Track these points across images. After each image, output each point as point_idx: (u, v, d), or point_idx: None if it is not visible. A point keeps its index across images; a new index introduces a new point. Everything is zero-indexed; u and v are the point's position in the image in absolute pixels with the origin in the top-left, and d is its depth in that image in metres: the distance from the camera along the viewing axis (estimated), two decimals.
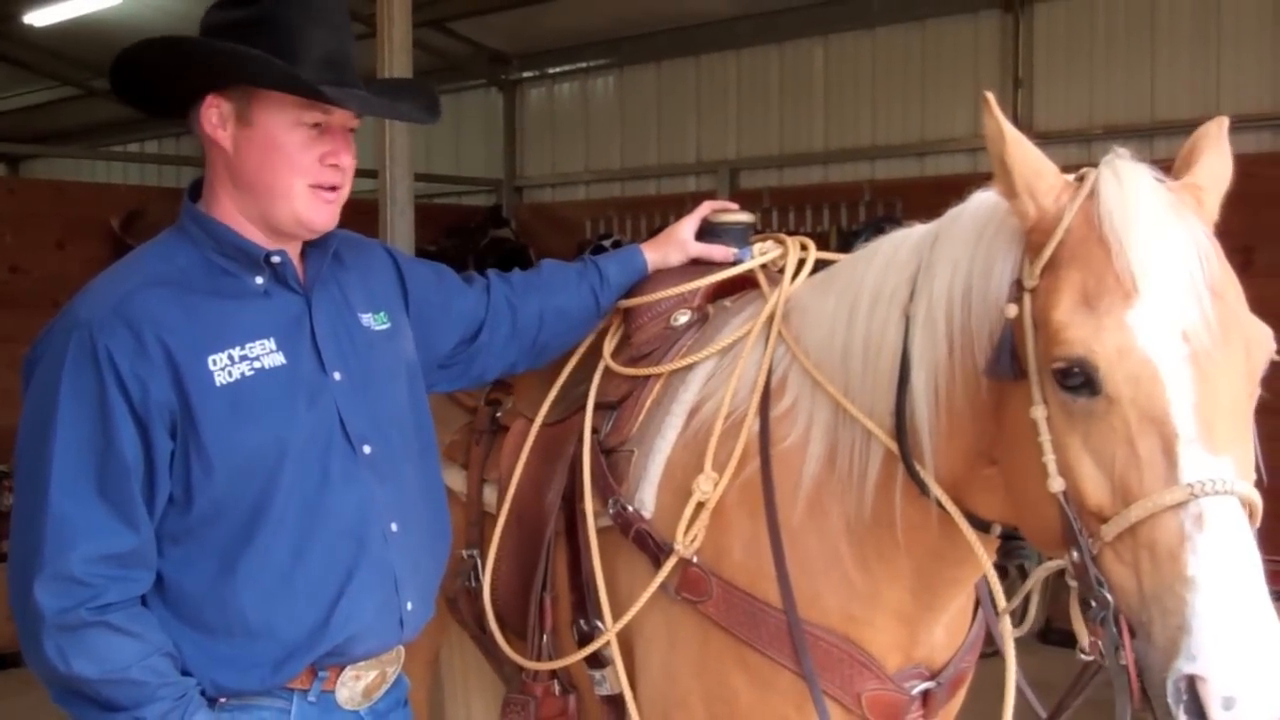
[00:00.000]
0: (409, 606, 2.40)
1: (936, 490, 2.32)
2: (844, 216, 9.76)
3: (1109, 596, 1.96)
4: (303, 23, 2.29)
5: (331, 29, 2.33)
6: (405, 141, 6.84)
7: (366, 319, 2.49)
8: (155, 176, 13.76)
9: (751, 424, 2.57)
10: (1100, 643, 1.99)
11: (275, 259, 2.32)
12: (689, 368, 2.76)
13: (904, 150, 9.68)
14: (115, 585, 2.14)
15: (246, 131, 2.28)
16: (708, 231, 3.00)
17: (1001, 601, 2.46)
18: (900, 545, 2.42)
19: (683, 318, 2.87)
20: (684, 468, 2.62)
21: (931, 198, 2.54)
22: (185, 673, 2.21)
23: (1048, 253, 2.06)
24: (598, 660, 2.73)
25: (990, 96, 2.12)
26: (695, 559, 2.54)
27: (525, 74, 12.15)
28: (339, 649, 2.30)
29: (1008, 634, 2.53)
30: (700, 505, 2.55)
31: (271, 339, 2.28)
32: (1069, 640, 2.11)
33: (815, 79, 10.18)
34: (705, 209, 3.03)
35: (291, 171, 2.29)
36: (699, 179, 10.90)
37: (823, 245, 2.97)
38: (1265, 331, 2.02)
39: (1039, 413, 2.05)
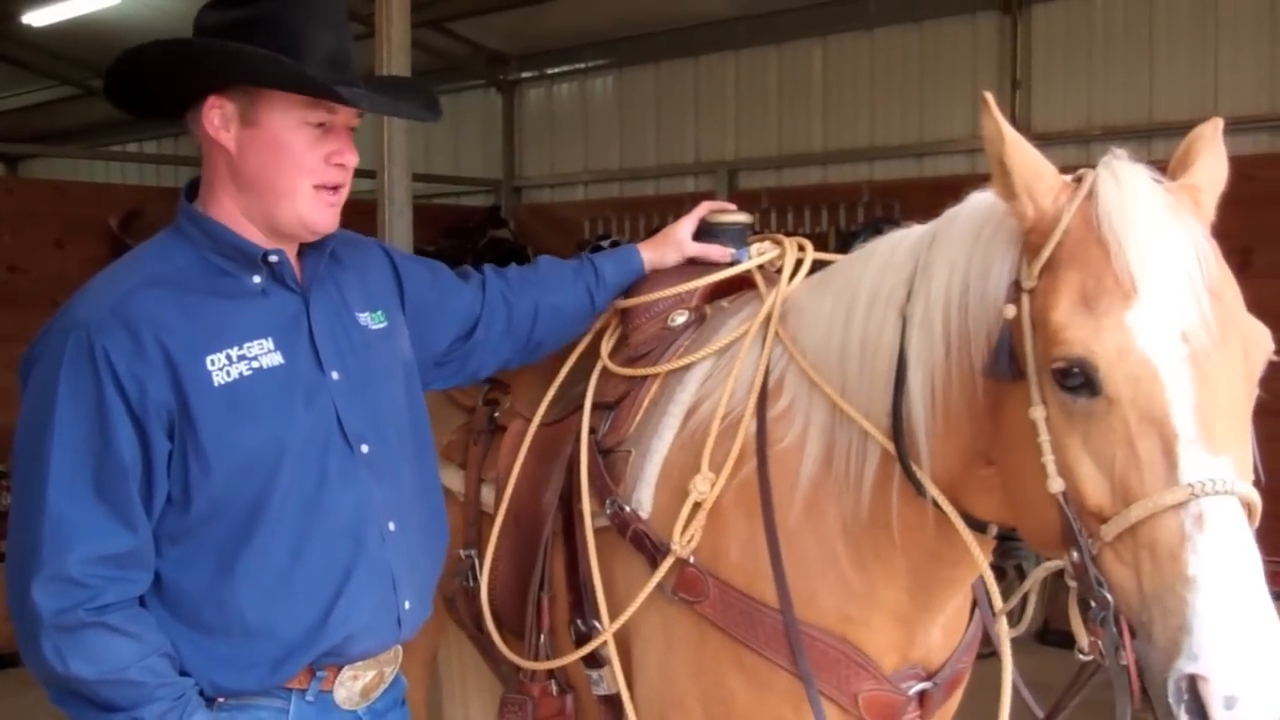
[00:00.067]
0: (406, 605, 2.40)
1: (933, 491, 2.32)
2: (842, 217, 9.75)
3: (1109, 597, 1.96)
4: (305, 22, 2.28)
5: (333, 29, 2.33)
6: (404, 141, 6.84)
7: (364, 318, 2.49)
8: (154, 176, 13.76)
9: (748, 424, 2.57)
10: (1100, 643, 1.99)
11: (273, 258, 2.32)
12: (686, 368, 2.76)
13: (902, 151, 9.68)
14: (113, 586, 2.14)
15: (251, 132, 2.28)
16: (706, 232, 3.00)
17: (998, 602, 2.46)
18: (897, 546, 2.42)
19: (680, 318, 2.87)
20: (681, 468, 2.62)
21: (930, 198, 2.54)
22: (183, 673, 2.21)
23: (1046, 253, 2.06)
24: (595, 660, 2.73)
25: (989, 97, 2.12)
26: (692, 559, 2.54)
27: (524, 74, 12.14)
28: (337, 648, 2.30)
29: (1004, 634, 2.53)
30: (697, 505, 2.55)
31: (269, 338, 2.28)
32: (1067, 641, 2.11)
33: (814, 80, 10.17)
34: (703, 209, 3.03)
35: (297, 171, 2.29)
36: (697, 179, 10.90)
37: (821, 246, 2.97)
38: (1263, 332, 2.03)
39: (1038, 413, 2.05)
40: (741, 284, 2.93)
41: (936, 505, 2.33)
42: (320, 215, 2.34)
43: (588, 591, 2.72)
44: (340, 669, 2.34)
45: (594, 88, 11.75)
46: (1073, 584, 2.05)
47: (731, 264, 2.92)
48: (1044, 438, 2.04)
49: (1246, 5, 8.06)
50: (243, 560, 2.22)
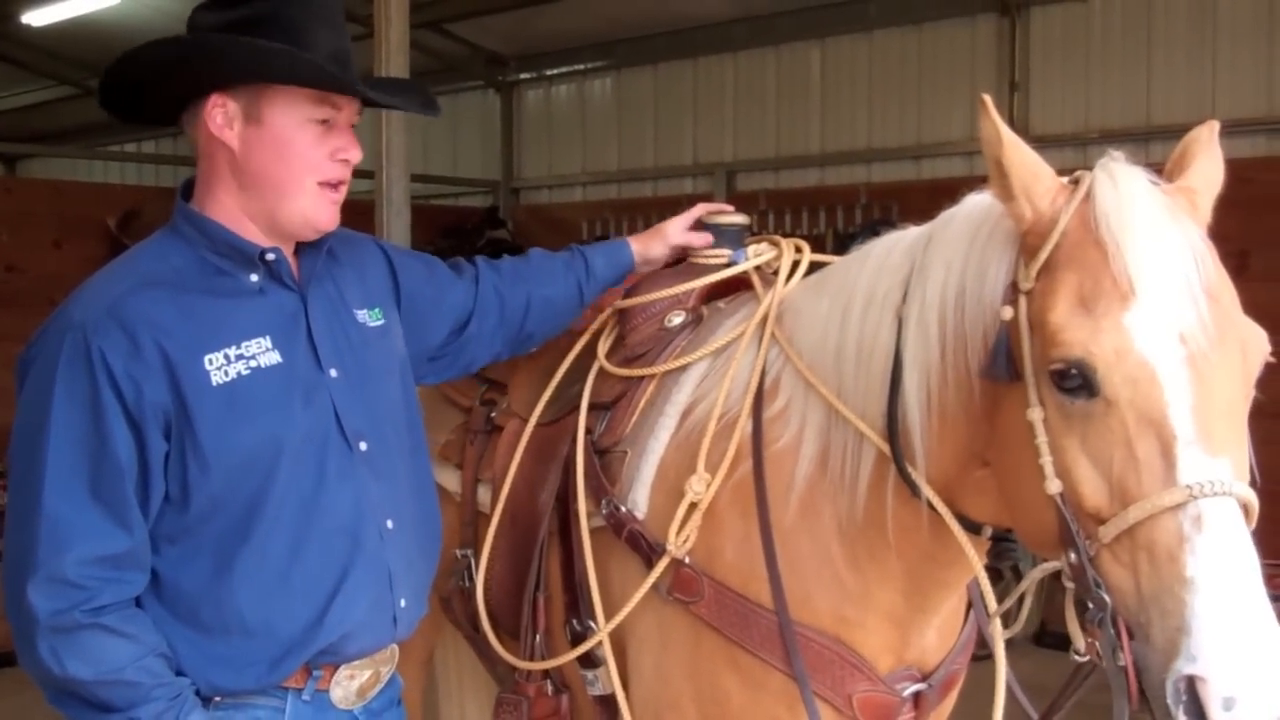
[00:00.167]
0: (402, 603, 2.40)
1: (928, 492, 2.33)
2: (840, 219, 9.76)
3: (1106, 598, 1.95)
4: (306, 19, 2.28)
5: (332, 27, 2.34)
6: (402, 142, 6.83)
7: (362, 315, 2.49)
8: (152, 176, 13.75)
9: (744, 425, 2.57)
10: (1097, 644, 1.98)
11: (270, 256, 2.32)
12: (683, 369, 2.77)
13: (900, 153, 9.69)
14: (109, 587, 2.13)
15: (256, 130, 2.27)
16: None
17: (993, 604, 2.46)
18: (892, 547, 2.42)
19: (677, 319, 2.87)
20: (677, 468, 2.62)
21: (928, 200, 2.54)
22: (180, 673, 2.21)
23: (1044, 255, 2.06)
24: (590, 660, 2.73)
25: (987, 99, 2.12)
26: (687, 560, 2.54)
27: (522, 75, 12.14)
28: (333, 647, 2.30)
29: (998, 635, 2.53)
30: (693, 506, 2.55)
31: (267, 337, 2.28)
32: (1063, 643, 2.10)
33: (812, 82, 10.18)
34: (698, 210, 3.04)
35: (303, 168, 2.29)
36: (696, 181, 10.90)
37: (819, 248, 2.97)
38: (1260, 334, 2.03)
39: (1035, 414, 2.05)
40: (739, 285, 2.93)
41: (931, 506, 2.33)
42: (323, 212, 2.34)
43: (583, 592, 2.72)
44: (337, 668, 2.34)
45: (592, 89, 11.75)
46: (1070, 585, 2.05)
47: (728, 264, 2.92)
48: (1041, 439, 2.04)
49: (1244, 8, 8.07)
50: (241, 559, 2.22)
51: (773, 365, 2.62)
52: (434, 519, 2.60)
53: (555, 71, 11.90)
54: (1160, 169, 2.15)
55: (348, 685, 2.36)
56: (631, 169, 11.40)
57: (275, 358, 2.27)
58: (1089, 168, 2.10)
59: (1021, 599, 2.38)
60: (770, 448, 2.53)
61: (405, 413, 2.53)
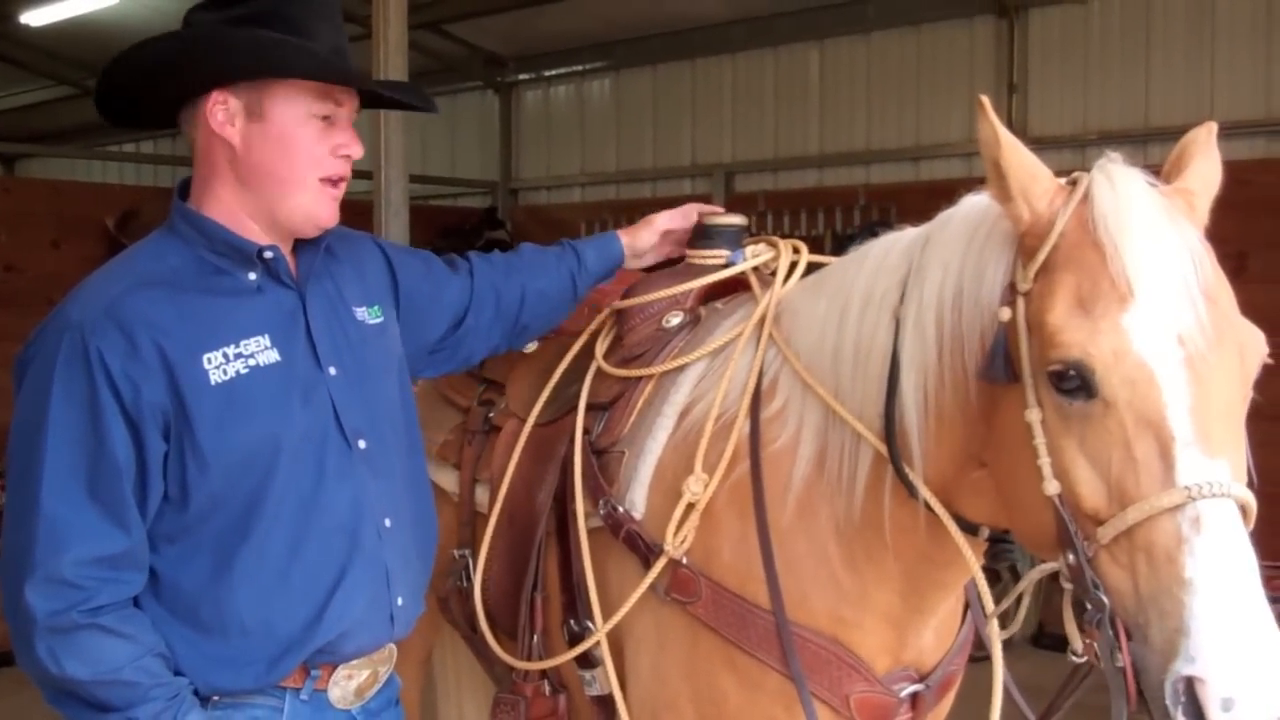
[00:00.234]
0: (399, 602, 2.40)
1: (925, 493, 2.33)
2: (839, 220, 9.76)
3: (1105, 599, 1.95)
4: (307, 15, 2.29)
5: (332, 23, 2.34)
6: (400, 142, 6.84)
7: (361, 312, 2.49)
8: (151, 176, 13.74)
9: (742, 426, 2.57)
10: (1095, 645, 1.99)
11: (268, 254, 2.32)
12: (680, 369, 2.76)
13: (899, 154, 9.69)
14: (107, 587, 2.13)
15: (259, 126, 2.27)
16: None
17: (990, 605, 2.46)
18: (889, 547, 2.42)
19: (675, 319, 2.87)
20: (674, 469, 2.62)
21: (926, 202, 2.54)
22: (178, 673, 2.21)
23: (1042, 256, 2.05)
24: (588, 661, 2.73)
25: (985, 100, 2.12)
26: (685, 560, 2.54)
27: (521, 76, 12.14)
28: (330, 646, 2.30)
29: (995, 636, 2.53)
30: (690, 506, 2.55)
31: (266, 335, 2.28)
32: (1062, 645, 2.11)
33: (810, 83, 10.18)
34: (690, 208, 3.05)
35: (307, 164, 2.30)
36: (694, 182, 10.90)
37: (817, 249, 2.97)
38: (1258, 335, 2.03)
39: (1033, 416, 2.05)
40: (736, 286, 2.93)
41: (928, 507, 2.33)
42: (324, 208, 2.35)
43: (581, 592, 2.72)
44: (335, 668, 2.34)
45: (591, 90, 11.75)
46: (1068, 586, 2.05)
47: (725, 265, 2.92)
48: (1040, 440, 2.04)
49: (1242, 10, 8.08)
50: (241, 557, 2.22)
51: (770, 366, 2.62)
52: (430, 518, 2.60)
53: (554, 72, 11.90)
54: (1158, 171, 2.15)
55: (345, 685, 2.36)
56: (630, 170, 11.40)
57: (274, 356, 2.27)
58: (1087, 169, 2.10)
59: (1019, 600, 2.38)
60: (768, 448, 2.53)
61: (403, 411, 2.53)
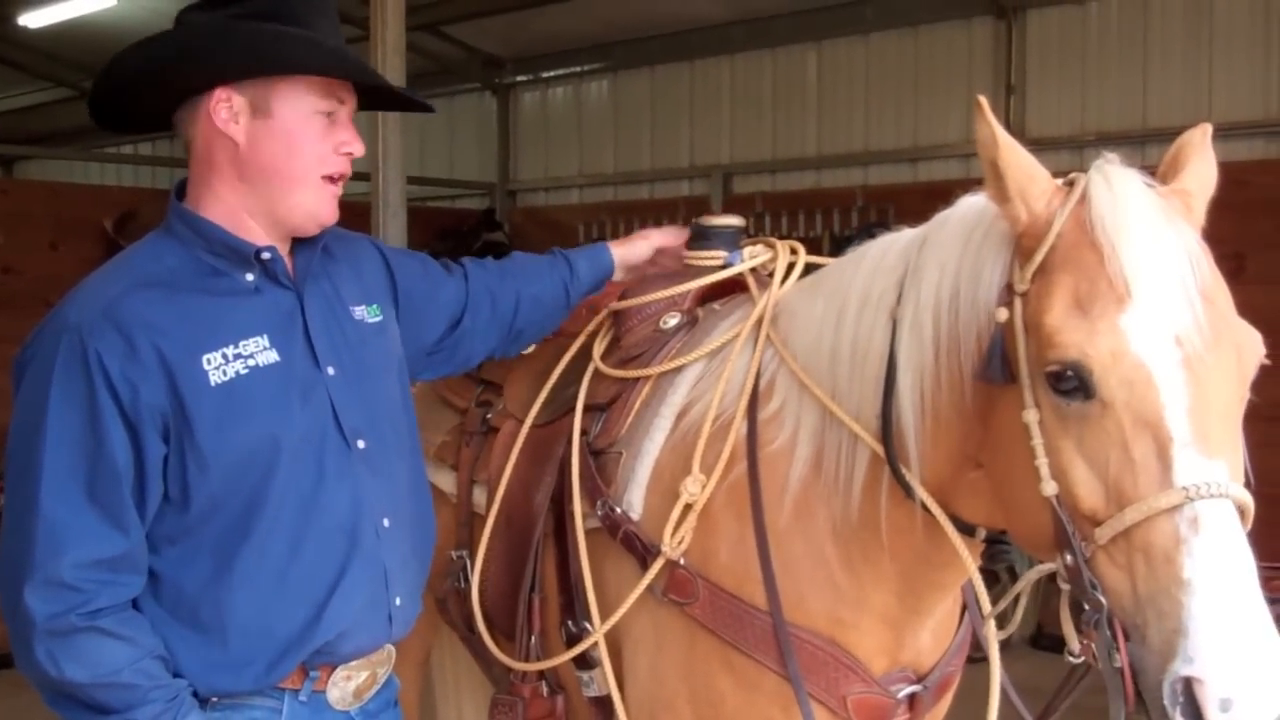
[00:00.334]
0: (397, 602, 2.40)
1: (922, 493, 2.32)
2: (837, 221, 9.77)
3: (1102, 600, 1.95)
4: (307, 11, 2.29)
5: (330, 22, 2.34)
6: (398, 144, 6.84)
7: (359, 312, 2.48)
8: (149, 178, 13.73)
9: (739, 427, 2.57)
10: (1093, 646, 1.98)
11: (265, 255, 2.31)
12: (678, 370, 2.76)
13: (897, 156, 9.71)
14: (106, 590, 2.13)
15: (264, 123, 2.27)
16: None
17: (987, 605, 2.46)
18: (886, 548, 2.42)
19: (672, 320, 2.87)
20: (672, 470, 2.62)
21: (924, 203, 2.53)
22: (177, 674, 2.20)
23: (1039, 257, 2.05)
24: (586, 661, 2.73)
25: (983, 101, 2.12)
26: (682, 561, 2.54)
27: (519, 78, 12.15)
28: (329, 646, 2.30)
29: (992, 637, 2.53)
30: (688, 507, 2.55)
31: (264, 336, 2.27)
32: (1060, 646, 2.11)
33: (808, 84, 10.19)
34: (684, 230, 3.07)
35: (311, 161, 2.30)
36: (692, 183, 10.92)
37: (815, 250, 2.97)
38: (1255, 336, 2.03)
39: (1031, 416, 2.05)
40: (734, 287, 2.93)
41: (925, 508, 2.33)
42: (326, 206, 2.35)
43: (579, 593, 2.72)
44: (333, 669, 2.34)
45: (589, 91, 11.75)
46: (1065, 587, 2.05)
47: (723, 266, 2.92)
48: (1037, 441, 2.04)
49: (1240, 12, 8.09)
50: (241, 558, 2.22)
51: (768, 367, 2.62)
52: (428, 518, 2.59)
53: (552, 74, 11.90)
54: (1156, 172, 2.15)
55: (344, 686, 2.36)
56: (628, 171, 11.40)
57: (273, 356, 2.27)
58: (1085, 170, 2.10)
59: (1017, 601, 2.38)
60: (765, 449, 2.53)
61: (404, 412, 2.53)
